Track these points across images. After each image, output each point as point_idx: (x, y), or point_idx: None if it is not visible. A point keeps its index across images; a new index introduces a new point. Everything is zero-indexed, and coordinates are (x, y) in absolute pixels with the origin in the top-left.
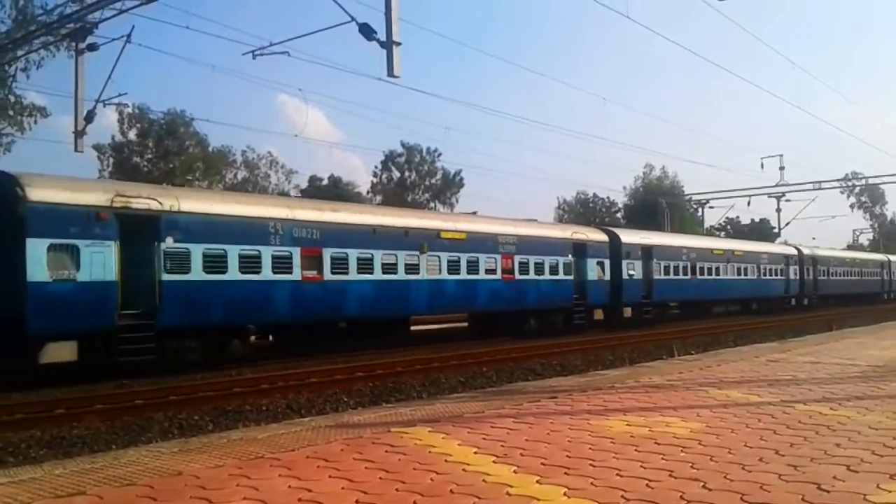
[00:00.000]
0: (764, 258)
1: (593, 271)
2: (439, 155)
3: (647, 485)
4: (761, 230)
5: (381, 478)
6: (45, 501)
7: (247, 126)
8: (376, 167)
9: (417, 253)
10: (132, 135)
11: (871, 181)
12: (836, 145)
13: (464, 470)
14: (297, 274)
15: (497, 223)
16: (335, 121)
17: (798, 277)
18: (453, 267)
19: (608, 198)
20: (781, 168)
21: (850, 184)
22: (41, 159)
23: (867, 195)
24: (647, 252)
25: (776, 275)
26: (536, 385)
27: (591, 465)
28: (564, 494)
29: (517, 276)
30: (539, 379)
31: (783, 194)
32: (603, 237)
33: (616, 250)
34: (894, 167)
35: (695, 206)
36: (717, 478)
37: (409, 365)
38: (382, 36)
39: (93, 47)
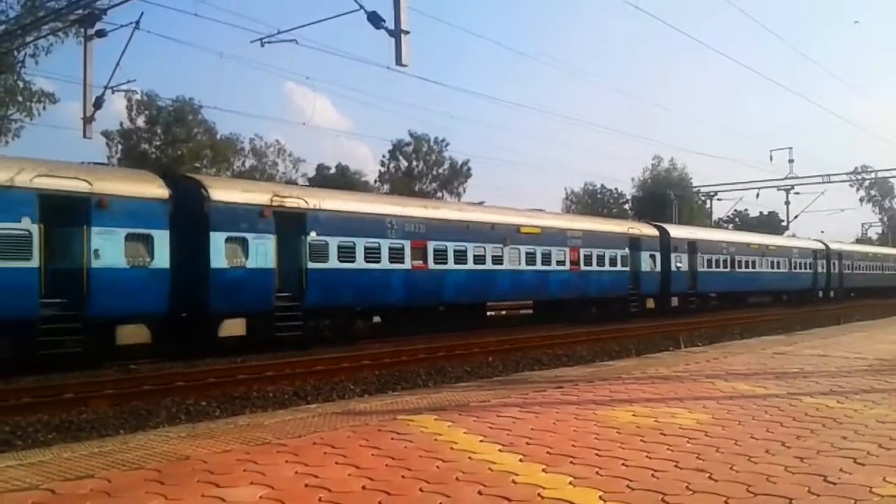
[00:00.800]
0: (795, 252)
1: (646, 263)
2: (447, 144)
3: (652, 475)
4: (770, 223)
5: (387, 465)
6: (53, 484)
7: (255, 114)
8: (384, 156)
9: (501, 246)
10: (140, 121)
11: (880, 175)
12: (846, 138)
13: (470, 458)
14: (407, 263)
15: (566, 219)
16: (343, 109)
17: (825, 271)
18: (530, 258)
19: (616, 189)
20: (791, 161)
21: (859, 177)
22: (49, 145)
23: (876, 189)
24: (693, 246)
25: (805, 268)
26: (542, 375)
27: (596, 454)
28: (570, 483)
29: (582, 266)
30: (545, 369)
31: (792, 187)
32: (654, 232)
33: (665, 244)
34: None
35: (703, 199)
36: (723, 469)
37: (415, 354)
38: (391, 24)
39: (101, 33)
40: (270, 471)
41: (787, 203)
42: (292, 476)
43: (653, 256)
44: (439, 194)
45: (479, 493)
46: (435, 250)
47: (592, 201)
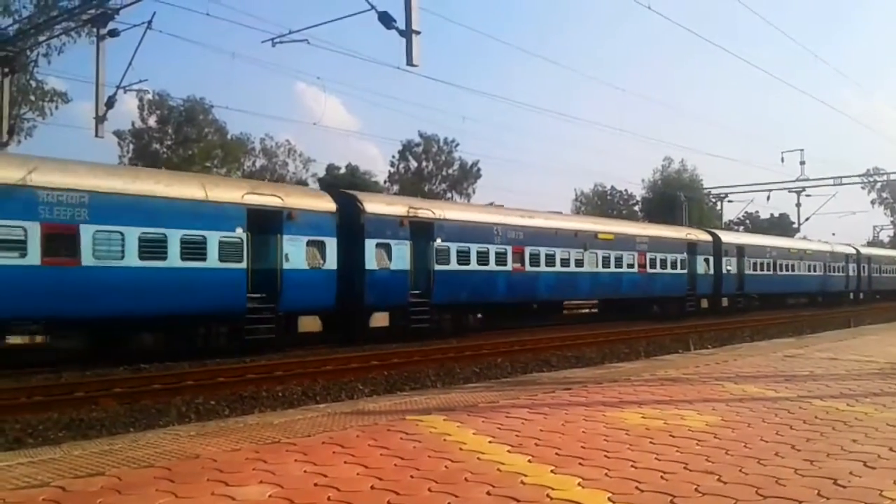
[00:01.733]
0: (829, 257)
1: (701, 266)
2: (457, 145)
3: (661, 476)
4: (781, 225)
5: (396, 464)
6: (64, 481)
7: (265, 114)
8: (394, 157)
9: (582, 250)
10: (152, 121)
11: (892, 177)
12: (858, 140)
13: (478, 458)
14: (509, 266)
15: (635, 226)
16: (353, 109)
17: (856, 274)
18: (605, 261)
19: (626, 190)
20: (802, 163)
21: (871, 179)
22: (62, 145)
23: (888, 191)
24: (741, 250)
25: (839, 271)
26: (551, 376)
27: (605, 456)
28: (579, 485)
29: (648, 269)
30: (554, 370)
31: (803, 189)
32: (708, 237)
33: (717, 249)
34: None
35: (713, 200)
36: (733, 471)
37: (425, 354)
38: (402, 24)
39: (114, 33)
40: (280, 469)
41: (799, 205)
42: (301, 475)
43: (707, 260)
44: (449, 195)
45: (488, 493)
46: (530, 255)
47: (602, 202)
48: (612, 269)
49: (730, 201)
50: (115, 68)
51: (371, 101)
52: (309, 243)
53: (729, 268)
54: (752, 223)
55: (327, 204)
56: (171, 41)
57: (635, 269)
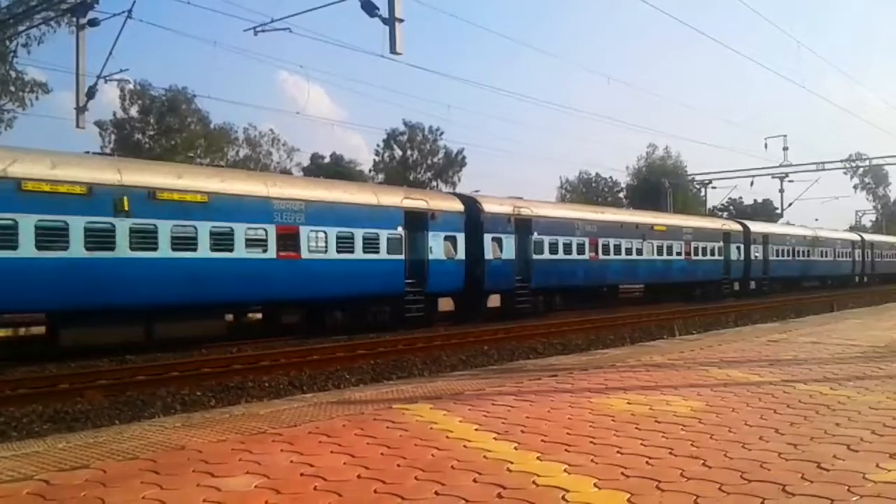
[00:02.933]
0: (838, 243)
1: (734, 254)
2: (441, 134)
3: (647, 462)
4: (764, 211)
5: (382, 453)
6: (48, 474)
7: (248, 103)
8: (378, 146)
9: (641, 240)
10: (134, 111)
11: (874, 162)
12: (840, 126)
13: (465, 446)
14: (587, 255)
15: (681, 218)
16: (337, 99)
17: (861, 259)
18: (660, 250)
19: (611, 178)
20: (785, 148)
21: (853, 165)
22: (43, 135)
23: (870, 176)
24: (766, 238)
25: (846, 257)
26: (537, 363)
27: (591, 442)
28: (565, 471)
29: (692, 256)
30: (540, 357)
31: (786, 175)
32: (739, 227)
33: (747, 237)
34: None
35: (697, 187)
36: (718, 456)
37: (411, 343)
38: (385, 12)
39: (94, 23)
40: (266, 460)
41: (782, 191)
42: (288, 465)
43: (738, 248)
44: (434, 183)
45: (475, 480)
46: (602, 245)
47: (587, 190)
48: (665, 256)
49: (714, 188)
50: (95, 58)
51: (355, 89)
52: (445, 238)
53: (756, 255)
54: (736, 209)
55: (457, 206)
56: (152, 30)
57: (682, 257)
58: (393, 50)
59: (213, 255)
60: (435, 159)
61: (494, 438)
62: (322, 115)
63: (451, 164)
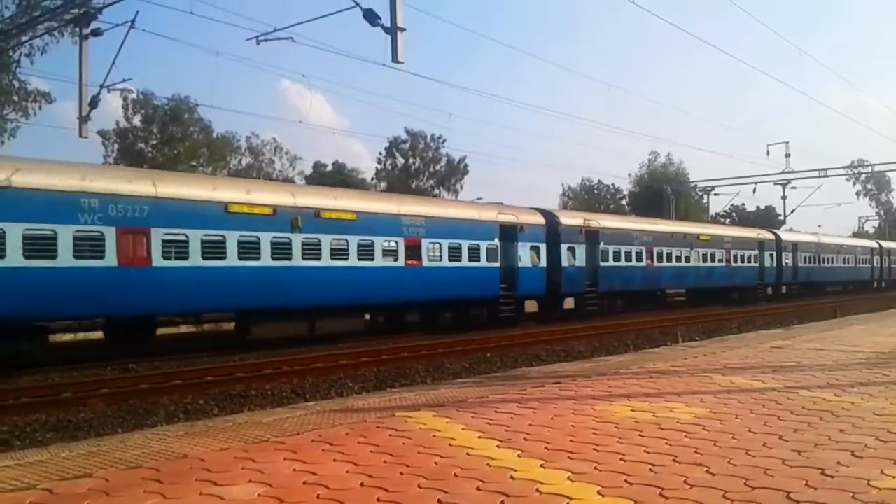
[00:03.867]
0: (858, 250)
1: (768, 260)
2: (444, 141)
3: (650, 469)
4: (767, 217)
5: (385, 461)
6: (51, 483)
7: (251, 112)
8: (380, 153)
9: (689, 249)
10: (136, 120)
11: (877, 168)
12: (843, 132)
13: (468, 454)
14: (644, 262)
15: (723, 229)
16: (338, 107)
17: (878, 265)
18: (705, 257)
19: (613, 185)
20: (787, 155)
21: (855, 171)
22: (46, 145)
23: (873, 182)
24: (795, 246)
25: (865, 263)
26: (540, 371)
27: (594, 449)
28: (568, 479)
29: (732, 263)
30: (543, 364)
31: (789, 181)
32: (772, 236)
33: (778, 245)
34: None
35: (700, 193)
36: (721, 463)
37: (415, 350)
38: (387, 21)
39: (97, 33)
40: (269, 468)
41: (784, 197)
42: (290, 473)
43: (771, 255)
44: (436, 191)
45: (478, 488)
46: (656, 253)
47: (589, 197)
48: (709, 263)
49: (716, 194)
50: (98, 68)
51: (357, 98)
52: (531, 248)
53: (787, 261)
54: (739, 216)
55: (540, 219)
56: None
57: (724, 264)
58: (395, 59)
59: (360, 264)
60: (437, 167)
61: (497, 446)
62: (324, 124)
63: (454, 172)
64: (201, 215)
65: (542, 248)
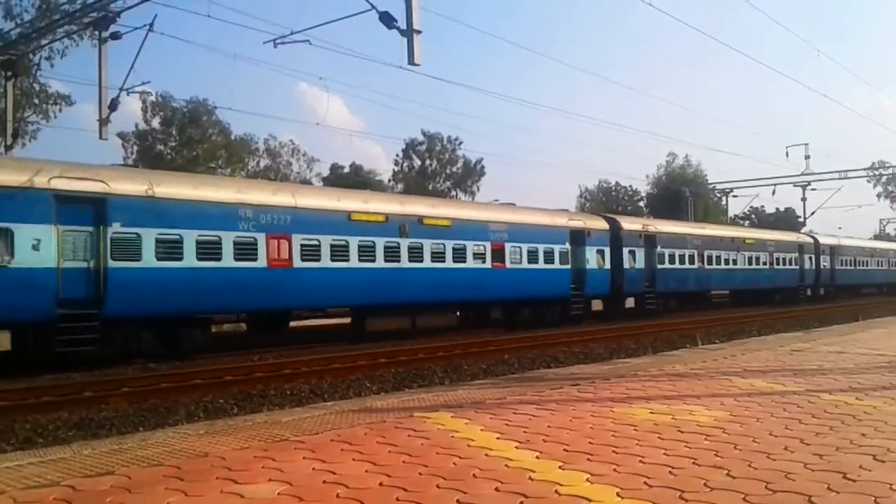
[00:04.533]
0: (891, 253)
1: (808, 263)
2: (460, 143)
3: (670, 472)
4: (786, 219)
5: (404, 461)
6: (74, 480)
7: (268, 114)
8: (397, 155)
9: (736, 252)
10: (155, 123)
11: None
12: (863, 134)
13: (486, 455)
14: (696, 264)
15: (767, 233)
16: (355, 109)
17: None
18: (750, 260)
19: (631, 186)
20: (807, 157)
21: (876, 173)
22: (65, 147)
23: (894, 184)
24: (833, 249)
25: None
26: (558, 372)
27: (613, 451)
28: (587, 480)
29: (774, 266)
30: (561, 366)
31: (808, 183)
32: (811, 240)
33: (817, 248)
34: None
35: (718, 195)
36: (741, 466)
37: (432, 352)
38: (403, 24)
39: (116, 36)
40: (288, 467)
41: (804, 199)
42: (310, 472)
43: (810, 258)
44: (453, 193)
45: (496, 489)
46: (706, 256)
47: (607, 199)
48: (754, 266)
49: (735, 196)
50: (117, 71)
51: (373, 100)
52: (597, 251)
53: (825, 264)
54: (758, 218)
55: (604, 224)
56: (173, 43)
57: (768, 266)
58: (411, 61)
59: (454, 266)
60: (454, 168)
61: (516, 447)
62: (341, 126)
63: (470, 174)
64: (330, 223)
65: (607, 251)
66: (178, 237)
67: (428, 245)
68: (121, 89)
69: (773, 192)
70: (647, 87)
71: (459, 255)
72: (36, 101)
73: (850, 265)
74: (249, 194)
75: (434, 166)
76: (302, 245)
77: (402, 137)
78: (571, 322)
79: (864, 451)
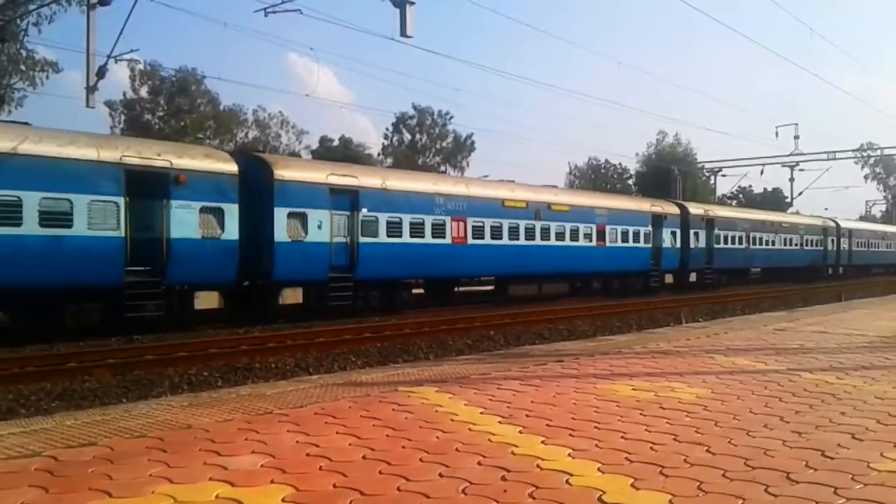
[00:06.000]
0: None
1: (830, 245)
2: (451, 118)
3: (651, 448)
4: (774, 200)
5: (387, 435)
6: (56, 451)
7: (257, 85)
8: (387, 129)
9: (774, 234)
10: (143, 92)
11: (886, 152)
12: (852, 115)
13: (469, 429)
14: (744, 245)
15: (798, 217)
16: (345, 81)
17: None
18: (786, 241)
19: (620, 164)
20: (796, 137)
21: (864, 154)
22: (52, 114)
23: (882, 166)
24: (850, 232)
25: None
26: (543, 349)
27: (595, 427)
28: (569, 455)
29: (804, 247)
30: (546, 343)
31: (797, 164)
32: (833, 224)
33: (838, 232)
34: None
35: (707, 174)
36: (722, 442)
37: (418, 327)
38: None
39: (104, 2)
40: (272, 440)
41: (792, 180)
42: (293, 445)
43: (832, 240)
44: (443, 168)
45: (479, 463)
46: (752, 237)
47: (596, 176)
48: (788, 247)
49: (723, 175)
50: (105, 38)
51: (364, 72)
52: (671, 232)
53: (843, 246)
54: (746, 197)
55: (676, 210)
56: (163, 10)
57: (799, 247)
58: (403, 33)
59: (571, 244)
60: (444, 143)
61: (499, 422)
62: (331, 98)
63: (460, 149)
64: (490, 208)
65: (678, 232)
66: (399, 220)
67: (554, 227)
68: (109, 57)
69: (762, 172)
70: (639, 63)
71: (574, 235)
72: (23, 67)
73: (865, 247)
74: (441, 186)
75: (424, 141)
76: (473, 226)
77: (392, 111)
78: (650, 292)
79: (843, 430)
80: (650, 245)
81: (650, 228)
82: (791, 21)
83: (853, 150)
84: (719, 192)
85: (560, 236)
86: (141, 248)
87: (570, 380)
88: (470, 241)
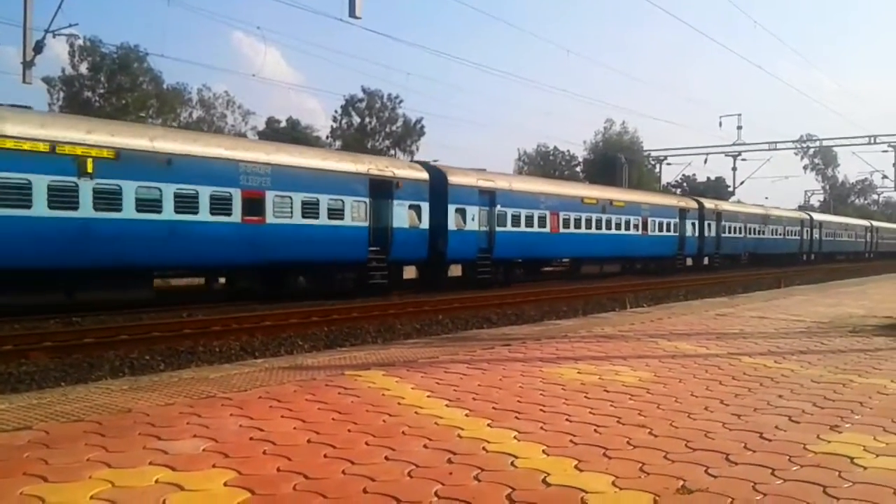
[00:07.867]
0: (857, 228)
1: (805, 235)
2: (401, 102)
3: (595, 430)
4: (716, 188)
5: (333, 419)
6: None
7: (202, 63)
8: (336, 112)
9: (810, 228)
10: (83, 68)
11: (824, 143)
12: (794, 107)
13: (416, 413)
14: (748, 234)
15: (850, 220)
16: (293, 62)
17: (869, 240)
18: (829, 234)
19: (568, 151)
20: (739, 127)
21: (804, 145)
22: None
23: (820, 157)
24: (821, 224)
25: (860, 237)
26: (491, 333)
27: (541, 410)
28: (514, 438)
29: (787, 237)
30: (494, 327)
31: (739, 153)
32: (868, 223)
33: (812, 224)
34: (847, 130)
35: (653, 163)
36: (664, 425)
37: (366, 311)
38: None
39: None
40: (214, 424)
41: (735, 169)
42: (237, 429)
43: (807, 230)
44: (392, 152)
45: (425, 446)
46: (753, 227)
47: (545, 163)
48: (770, 236)
49: (668, 164)
50: (43, 12)
51: (313, 53)
52: (692, 224)
53: (815, 235)
54: (689, 186)
55: (695, 205)
56: None
57: (781, 237)
58: (352, 13)
59: (623, 233)
60: (393, 127)
61: (446, 405)
62: (278, 78)
63: (410, 133)
64: (573, 205)
65: (696, 224)
66: (519, 214)
67: (613, 219)
68: (46, 31)
69: (706, 161)
70: (587, 52)
71: (627, 226)
72: None
73: (832, 237)
74: (544, 186)
75: (373, 124)
76: (563, 219)
77: (341, 93)
78: (676, 272)
79: (781, 412)
80: (677, 234)
81: (678, 220)
82: (736, 13)
83: (793, 141)
84: (664, 181)
85: (618, 227)
86: (376, 235)
87: (517, 363)
88: (560, 230)
